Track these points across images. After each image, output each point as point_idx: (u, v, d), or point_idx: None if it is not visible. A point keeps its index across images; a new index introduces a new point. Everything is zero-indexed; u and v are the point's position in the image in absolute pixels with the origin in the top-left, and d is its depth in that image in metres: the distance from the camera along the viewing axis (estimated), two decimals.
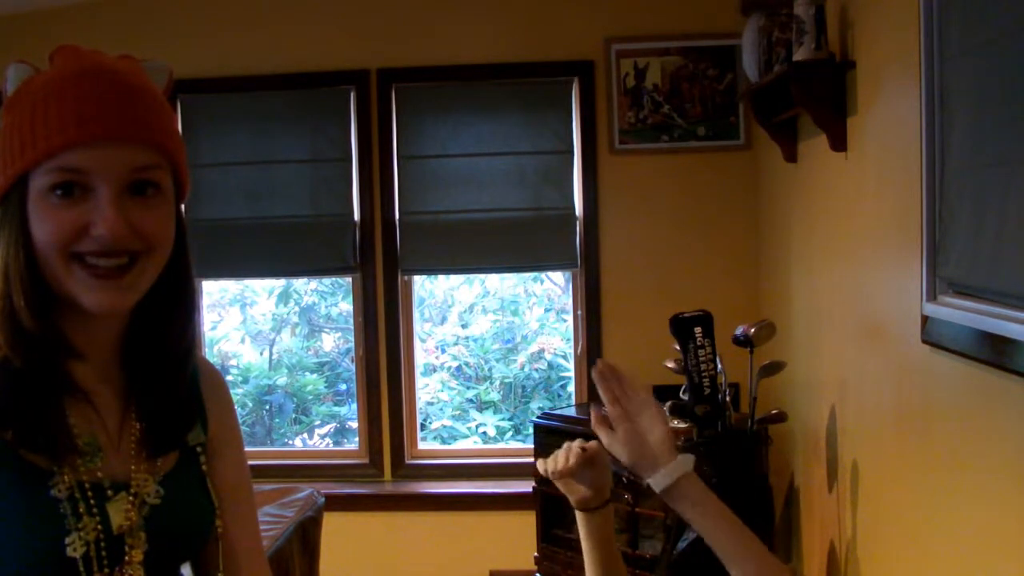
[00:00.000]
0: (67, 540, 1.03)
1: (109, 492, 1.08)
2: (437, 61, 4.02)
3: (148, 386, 1.15)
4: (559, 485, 1.53)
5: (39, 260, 1.04)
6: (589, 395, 3.93)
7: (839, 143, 2.55)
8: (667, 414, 1.40)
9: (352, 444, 4.37)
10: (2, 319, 1.05)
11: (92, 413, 1.10)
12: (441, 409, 4.95)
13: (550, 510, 3.40)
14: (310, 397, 4.98)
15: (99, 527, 1.06)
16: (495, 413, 4.92)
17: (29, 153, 1.03)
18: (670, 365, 2.91)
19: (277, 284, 5.01)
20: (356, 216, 4.08)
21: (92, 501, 1.06)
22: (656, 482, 1.35)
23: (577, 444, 1.51)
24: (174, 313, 1.16)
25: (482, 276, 4.94)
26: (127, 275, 1.06)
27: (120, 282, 1.05)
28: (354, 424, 4.35)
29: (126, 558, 1.08)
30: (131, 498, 1.09)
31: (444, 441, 4.81)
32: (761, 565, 1.32)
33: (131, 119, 1.05)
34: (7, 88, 1.07)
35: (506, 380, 5.00)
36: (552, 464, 1.51)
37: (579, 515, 1.54)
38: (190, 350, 1.19)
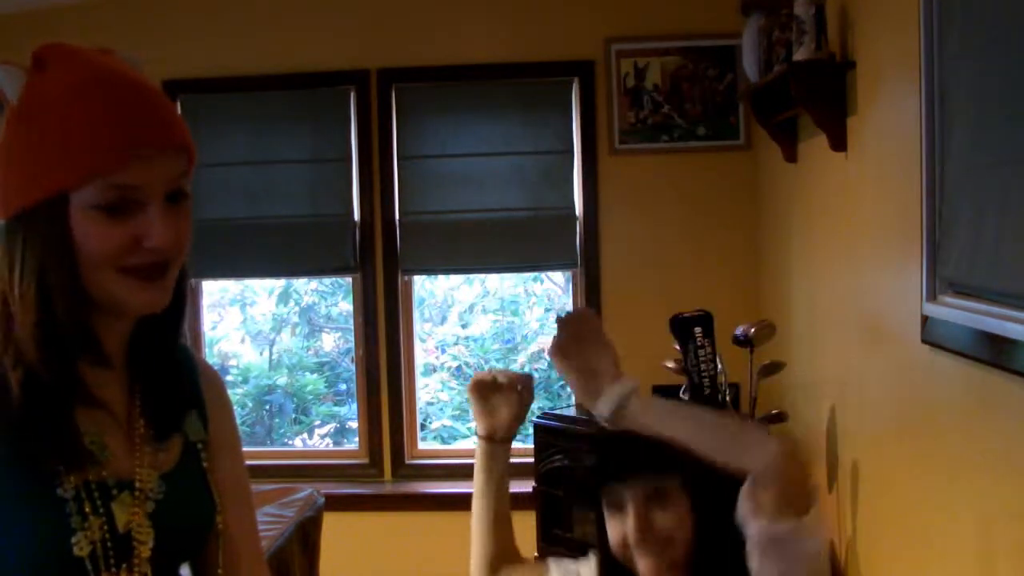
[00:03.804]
0: (73, 540, 1.04)
1: (114, 491, 1.09)
2: (437, 61, 4.02)
3: (150, 381, 1.17)
4: (480, 403, 1.58)
5: (83, 269, 1.05)
6: None
7: (839, 143, 2.55)
8: (614, 348, 1.45)
9: (352, 444, 4.37)
10: (37, 328, 1.05)
11: (100, 414, 1.11)
12: (441, 409, 4.95)
13: (550, 510, 3.40)
14: (310, 397, 4.98)
15: (105, 526, 1.06)
16: None
17: (72, 173, 1.03)
18: (670, 365, 2.91)
19: (277, 284, 5.01)
20: (356, 216, 4.08)
21: (98, 500, 1.07)
22: (601, 408, 1.37)
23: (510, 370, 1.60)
24: (174, 310, 1.17)
25: (482, 276, 4.94)
26: (167, 275, 1.09)
27: (162, 282, 1.09)
28: (354, 424, 4.35)
29: (134, 556, 1.09)
30: (136, 495, 1.10)
31: (444, 441, 4.81)
32: (743, 446, 1.31)
33: (168, 127, 1.08)
34: (5, 93, 1.06)
35: None
36: (489, 374, 1.58)
37: (483, 444, 1.59)
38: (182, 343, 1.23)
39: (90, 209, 1.03)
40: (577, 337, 1.43)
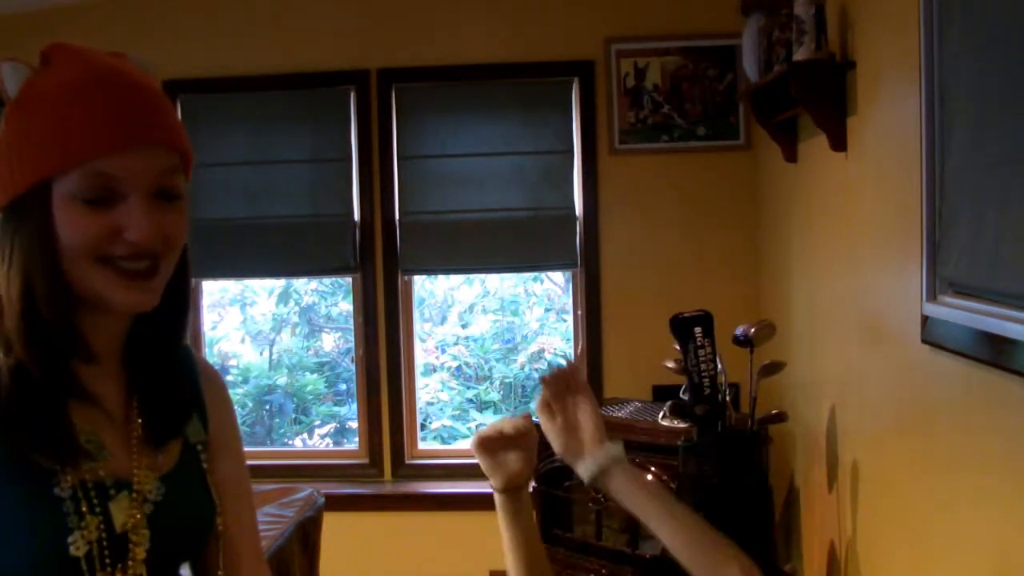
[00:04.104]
0: (70, 539, 1.04)
1: (112, 491, 1.08)
2: (437, 61, 4.02)
3: (149, 382, 1.16)
4: (487, 461, 1.51)
5: (64, 261, 1.05)
6: None
7: (839, 143, 2.55)
8: (597, 406, 1.46)
9: (352, 444, 4.38)
10: (22, 320, 1.05)
11: (96, 412, 1.11)
12: (441, 409, 4.95)
13: (550, 510, 3.40)
14: (310, 397, 4.99)
15: (102, 526, 1.06)
16: (495, 413, 4.93)
17: (55, 159, 1.03)
18: (670, 365, 2.91)
19: (277, 284, 5.01)
20: (356, 216, 4.08)
21: (95, 500, 1.06)
22: (583, 470, 1.39)
23: (509, 418, 1.52)
24: (175, 311, 1.17)
25: (482, 276, 4.94)
26: (155, 277, 1.08)
27: (149, 283, 1.08)
28: (354, 424, 4.35)
29: (129, 556, 1.08)
30: (133, 495, 1.10)
31: (444, 441, 4.81)
32: (710, 566, 1.31)
33: (155, 123, 1.07)
34: (6, 87, 1.07)
35: (506, 380, 5.00)
36: (493, 429, 1.48)
37: (501, 498, 1.52)
38: (182, 343, 1.22)
39: (70, 198, 1.03)
40: (559, 394, 1.44)
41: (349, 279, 4.24)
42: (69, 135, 1.03)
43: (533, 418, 1.51)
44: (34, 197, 1.04)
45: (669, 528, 1.33)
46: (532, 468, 1.53)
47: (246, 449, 1.32)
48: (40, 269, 1.04)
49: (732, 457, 2.81)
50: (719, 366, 2.78)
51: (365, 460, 4.17)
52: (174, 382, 1.19)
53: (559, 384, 1.45)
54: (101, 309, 1.09)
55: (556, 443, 1.43)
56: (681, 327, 2.70)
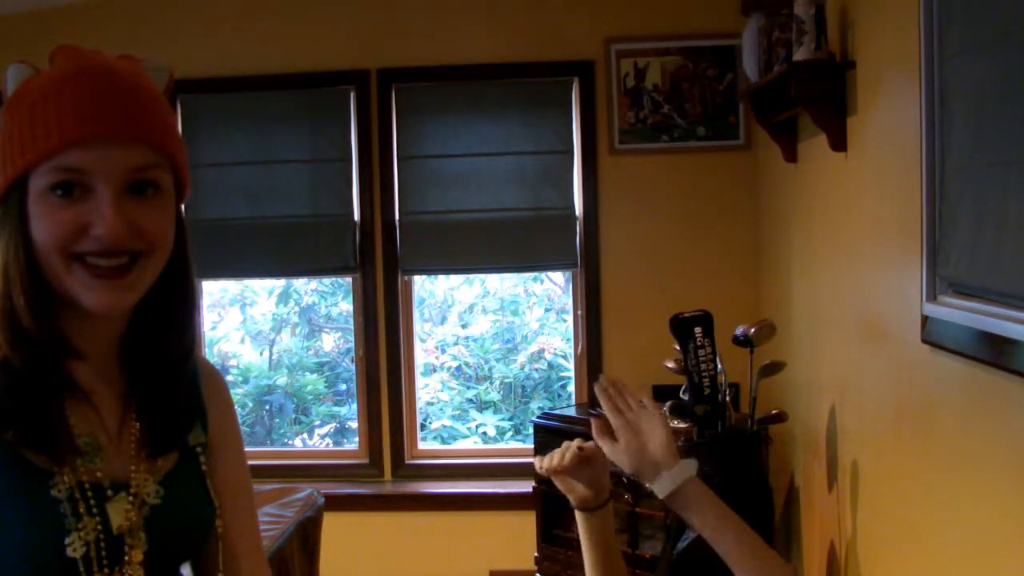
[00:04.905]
0: (67, 540, 1.03)
1: (109, 492, 1.08)
2: (437, 61, 4.02)
3: (148, 386, 1.15)
4: (558, 483, 1.53)
5: (39, 259, 1.04)
6: (589, 395, 3.93)
7: (839, 143, 2.55)
8: (668, 418, 1.43)
9: (352, 444, 4.38)
10: (2, 319, 1.05)
11: (92, 413, 1.10)
12: (441, 409, 4.95)
13: (550, 510, 3.40)
14: (310, 397, 4.98)
15: (99, 527, 1.05)
16: (495, 413, 4.93)
17: (29, 153, 1.03)
18: (670, 365, 2.91)
19: (277, 284, 5.01)
20: (356, 216, 4.08)
21: (92, 501, 1.06)
22: (659, 488, 1.38)
23: (576, 444, 1.51)
24: (174, 313, 1.16)
25: (482, 276, 4.94)
26: (128, 275, 1.05)
27: (120, 282, 1.05)
28: (354, 424, 4.35)
29: (126, 558, 1.08)
30: (131, 498, 1.09)
31: (444, 441, 4.81)
32: (765, 571, 1.31)
33: (130, 118, 1.05)
34: (7, 88, 1.07)
35: (506, 380, 5.00)
36: (548, 461, 1.51)
37: (579, 515, 1.54)
38: (190, 350, 1.19)
39: (43, 194, 1.03)
40: (619, 412, 1.42)
41: (349, 279, 4.24)
42: (40, 130, 1.02)
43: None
44: (12, 194, 1.04)
45: (735, 556, 1.33)
46: (607, 488, 1.52)
47: (246, 449, 1.32)
48: (15, 266, 1.04)
49: (732, 457, 2.81)
50: (719, 366, 2.78)
51: (365, 460, 4.18)
52: (176, 391, 1.17)
53: (617, 403, 1.44)
54: (83, 309, 1.07)
55: (625, 465, 1.41)
56: (681, 327, 2.70)
